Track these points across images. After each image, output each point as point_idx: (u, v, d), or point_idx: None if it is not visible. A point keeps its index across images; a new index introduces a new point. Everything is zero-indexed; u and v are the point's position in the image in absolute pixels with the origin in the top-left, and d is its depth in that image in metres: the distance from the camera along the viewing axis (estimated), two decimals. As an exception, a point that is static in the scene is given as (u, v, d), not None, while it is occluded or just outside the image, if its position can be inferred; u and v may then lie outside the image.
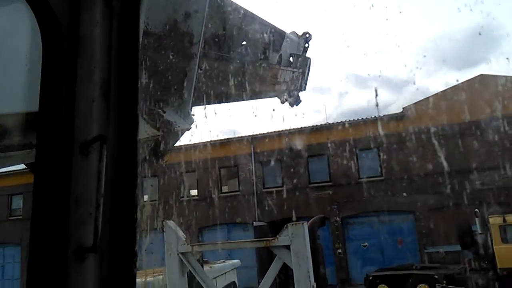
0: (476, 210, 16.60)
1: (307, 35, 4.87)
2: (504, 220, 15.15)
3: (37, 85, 0.86)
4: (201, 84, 2.96)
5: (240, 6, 3.37)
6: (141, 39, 0.95)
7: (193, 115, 2.83)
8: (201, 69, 2.83)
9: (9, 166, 1.69)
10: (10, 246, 27.15)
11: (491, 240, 15.24)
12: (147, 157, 2.38)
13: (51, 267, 0.76)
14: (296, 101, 5.06)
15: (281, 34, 4.29)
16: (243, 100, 4.14)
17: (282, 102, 4.95)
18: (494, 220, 15.35)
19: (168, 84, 2.46)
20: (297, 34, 4.85)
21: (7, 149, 1.27)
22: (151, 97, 2.34)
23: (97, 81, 0.84)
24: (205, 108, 3.52)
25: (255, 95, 4.28)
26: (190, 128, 2.73)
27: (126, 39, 0.89)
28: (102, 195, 0.79)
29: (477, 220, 16.29)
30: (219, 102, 3.74)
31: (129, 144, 0.85)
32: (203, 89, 3.01)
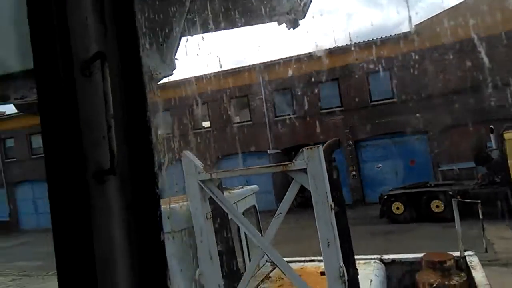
0: (491, 126, 16.49)
1: None
2: (520, 135, 15.06)
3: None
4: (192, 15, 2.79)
5: None
6: None
7: (177, 59, 2.69)
8: (190, 14, 2.65)
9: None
10: (38, 182, 28.48)
11: (506, 155, 15.29)
12: None
13: (72, 190, 0.74)
14: (294, 25, 4.78)
15: None
16: (237, 27, 3.96)
17: (279, 24, 4.70)
18: (509, 136, 15.25)
19: (153, 28, 2.30)
20: None
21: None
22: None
23: None
24: (203, 38, 3.37)
25: (250, 24, 4.06)
26: (172, 74, 2.62)
27: None
28: (111, 116, 0.74)
29: (492, 136, 16.24)
30: (210, 31, 3.57)
31: (132, 60, 0.78)
32: (193, 19, 2.84)
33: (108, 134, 0.74)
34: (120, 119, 0.77)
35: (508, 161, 15.16)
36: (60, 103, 0.74)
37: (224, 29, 3.83)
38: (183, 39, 2.93)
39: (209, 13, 3.09)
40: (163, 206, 4.33)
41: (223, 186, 4.48)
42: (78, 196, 0.73)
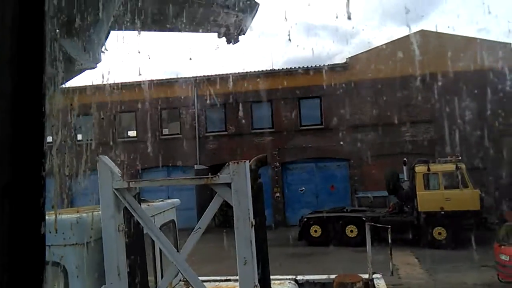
0: (405, 159, 17.95)
1: None
2: (428, 169, 16.52)
3: None
4: (131, 6, 2.62)
5: None
6: None
7: (104, 52, 2.52)
8: (123, 6, 2.49)
9: None
10: None
11: (415, 187, 16.66)
12: None
13: None
14: (234, 40, 4.78)
15: None
16: (177, 31, 3.84)
17: (219, 37, 4.66)
18: (420, 169, 16.68)
19: (79, 14, 2.11)
20: None
21: None
22: (56, 24, 1.99)
23: None
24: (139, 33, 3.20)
25: (190, 31, 3.96)
26: (95, 67, 2.44)
27: None
28: None
29: (404, 168, 17.64)
30: (149, 30, 3.42)
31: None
32: (130, 13, 2.68)
33: None
34: (8, 82, 0.62)
35: (417, 193, 16.53)
36: None
37: (159, 30, 3.66)
38: (115, 35, 2.73)
39: (146, 10, 2.93)
40: (71, 214, 3.92)
41: (142, 198, 4.21)
42: None
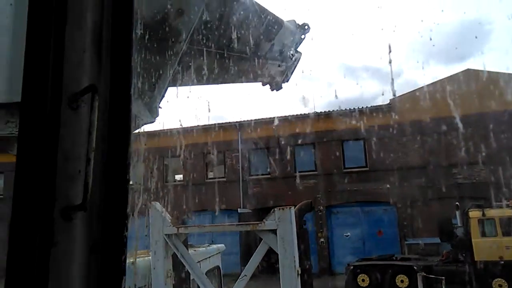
0: (457, 203, 16.98)
1: (306, 27, 4.57)
2: (483, 214, 15.51)
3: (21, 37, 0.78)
4: (181, 67, 2.87)
5: None
6: None
7: (161, 108, 2.73)
8: (179, 66, 2.74)
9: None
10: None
11: (470, 233, 15.61)
12: None
13: (36, 227, 0.70)
14: (277, 87, 4.95)
15: (278, 23, 4.07)
16: (224, 84, 4.05)
17: (263, 85, 4.85)
18: (474, 214, 15.69)
19: (142, 74, 2.36)
20: (296, 24, 4.58)
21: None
22: None
23: (89, 27, 0.77)
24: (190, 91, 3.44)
25: (236, 82, 4.17)
26: (153, 121, 2.65)
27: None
28: (93, 149, 0.72)
29: (457, 213, 16.66)
30: (197, 84, 3.64)
31: (123, 95, 0.78)
32: (181, 71, 2.92)
33: (86, 168, 0.72)
34: (100, 154, 0.75)
35: (472, 240, 15.45)
36: (41, 136, 0.73)
37: (211, 84, 3.92)
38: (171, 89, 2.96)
39: (203, 67, 3.18)
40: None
41: (189, 243, 4.33)
42: (41, 232, 0.69)
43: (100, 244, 0.75)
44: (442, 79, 21.84)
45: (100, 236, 0.76)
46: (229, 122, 25.97)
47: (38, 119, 0.73)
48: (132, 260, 3.97)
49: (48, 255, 0.70)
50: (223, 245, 5.93)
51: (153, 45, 2.21)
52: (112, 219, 0.78)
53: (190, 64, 2.87)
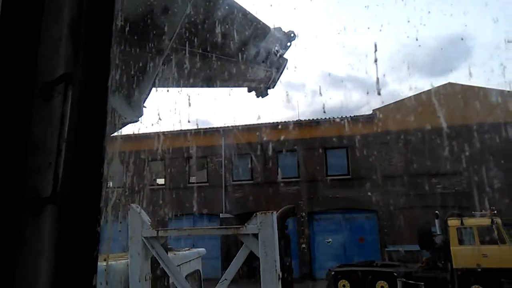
0: (436, 212, 17.28)
1: (292, 35, 4.62)
2: (462, 223, 15.80)
3: None
4: (165, 68, 2.84)
5: None
6: None
7: (145, 107, 2.69)
8: (165, 65, 2.71)
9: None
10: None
11: (449, 241, 15.88)
12: None
13: (1, 221, 0.66)
14: (262, 94, 4.97)
15: (265, 30, 4.09)
16: (210, 87, 4.03)
17: (249, 91, 4.86)
18: (453, 223, 15.97)
19: (126, 72, 2.33)
20: (282, 31, 4.61)
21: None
22: None
23: (66, 15, 0.74)
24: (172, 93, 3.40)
25: (220, 86, 4.16)
26: (138, 120, 2.61)
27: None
28: (64, 140, 0.69)
29: (436, 221, 16.94)
30: (182, 86, 3.62)
31: (99, 87, 0.76)
32: (165, 73, 2.89)
33: (56, 159, 0.68)
34: (73, 145, 0.72)
35: (451, 248, 15.72)
36: (10, 125, 0.69)
37: (193, 86, 3.89)
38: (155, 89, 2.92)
39: (189, 67, 3.15)
40: (99, 263, 4.00)
41: (168, 247, 4.27)
42: (7, 226, 0.66)
43: (70, 240, 0.72)
44: (425, 91, 22.29)
45: (71, 231, 0.73)
46: (214, 127, 25.89)
47: (8, 109, 0.70)
48: (110, 262, 3.89)
49: (15, 251, 0.66)
50: (203, 249, 5.87)
51: (136, 40, 2.18)
52: (84, 214, 0.74)
53: (176, 64, 2.84)
